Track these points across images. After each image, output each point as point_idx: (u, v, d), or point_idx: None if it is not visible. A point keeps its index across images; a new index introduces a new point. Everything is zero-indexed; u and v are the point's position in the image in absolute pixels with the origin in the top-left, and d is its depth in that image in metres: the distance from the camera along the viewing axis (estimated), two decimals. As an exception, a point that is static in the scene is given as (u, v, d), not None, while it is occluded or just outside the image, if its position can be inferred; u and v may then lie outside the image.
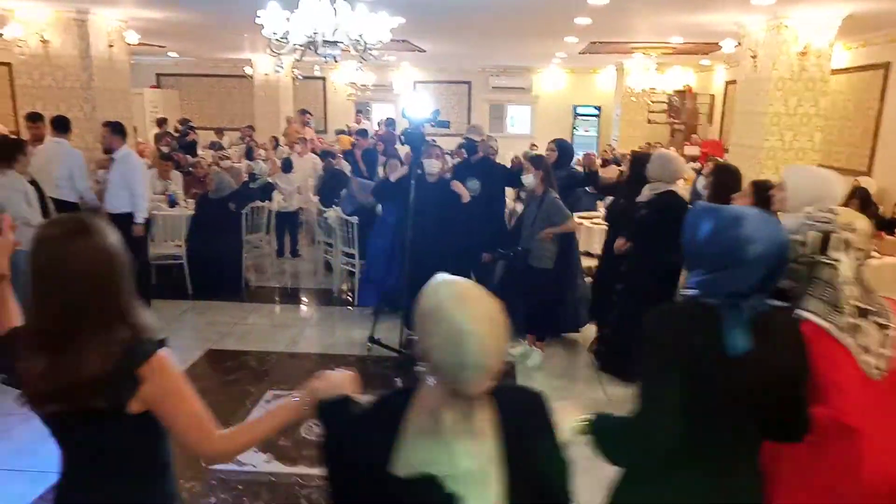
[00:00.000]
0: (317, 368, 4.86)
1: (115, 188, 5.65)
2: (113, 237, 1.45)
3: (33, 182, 5.26)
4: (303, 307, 6.43)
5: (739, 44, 8.04)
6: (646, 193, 4.23)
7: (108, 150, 5.76)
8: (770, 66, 6.82)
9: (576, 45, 10.35)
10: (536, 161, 4.88)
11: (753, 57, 7.16)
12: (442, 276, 1.27)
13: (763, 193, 2.96)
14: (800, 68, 6.70)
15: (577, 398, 4.32)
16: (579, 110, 15.87)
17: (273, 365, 4.86)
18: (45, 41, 7.24)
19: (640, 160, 4.67)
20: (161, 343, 1.48)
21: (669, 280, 3.41)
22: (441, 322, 1.17)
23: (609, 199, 5.95)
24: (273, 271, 7.39)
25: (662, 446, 1.49)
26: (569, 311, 5.11)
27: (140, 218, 5.61)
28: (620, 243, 4.36)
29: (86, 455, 1.50)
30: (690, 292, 1.55)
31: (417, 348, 1.24)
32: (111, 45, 7.67)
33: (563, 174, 5.39)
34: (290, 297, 6.74)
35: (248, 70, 13.23)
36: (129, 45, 8.30)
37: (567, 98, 15.79)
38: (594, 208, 7.44)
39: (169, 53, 13.26)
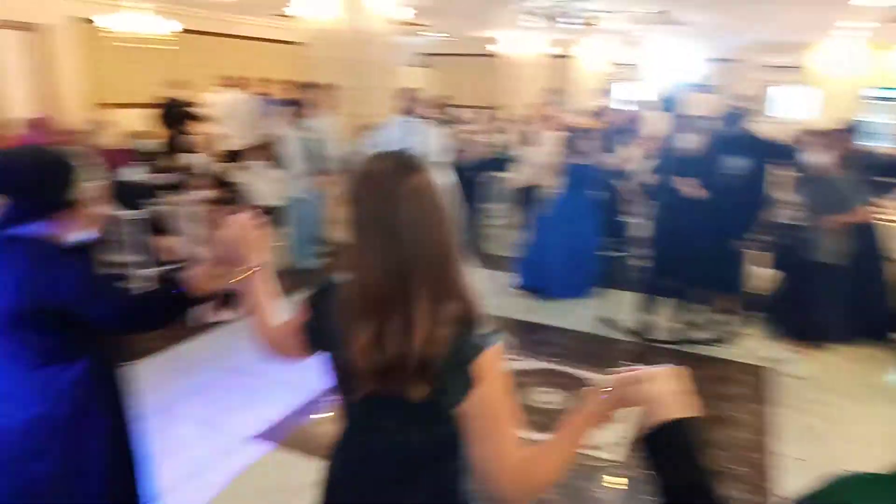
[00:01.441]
0: (543, 339, 4.75)
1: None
2: (441, 180, 1.16)
3: (316, 140, 5.99)
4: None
5: None
6: None
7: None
8: None
9: (868, 11, 8.74)
10: (830, 136, 4.21)
11: None
12: None
13: None
14: None
15: (872, 422, 3.68)
16: (870, 92, 13.56)
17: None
18: (326, 19, 8.08)
19: None
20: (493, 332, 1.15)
21: None
22: None
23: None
24: (507, 241, 7.50)
25: None
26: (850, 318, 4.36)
27: None
28: None
29: (384, 450, 1.25)
30: None
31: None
32: (381, 22, 8.31)
33: (864, 156, 4.70)
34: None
35: (496, 48, 13.57)
36: (396, 24, 8.92)
37: (853, 78, 13.56)
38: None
39: (428, 34, 14.11)
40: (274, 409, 3.58)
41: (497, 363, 1.14)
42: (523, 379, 4.06)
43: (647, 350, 4.57)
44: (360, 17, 7.97)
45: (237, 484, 2.97)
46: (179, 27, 8.84)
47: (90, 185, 1.73)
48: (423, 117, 6.13)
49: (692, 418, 1.00)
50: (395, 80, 9.07)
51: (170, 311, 1.73)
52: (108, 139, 6.97)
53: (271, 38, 12.00)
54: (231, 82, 8.10)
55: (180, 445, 3.22)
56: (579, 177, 5.50)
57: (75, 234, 1.72)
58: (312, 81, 7.42)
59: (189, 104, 8.25)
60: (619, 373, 1.08)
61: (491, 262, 6.74)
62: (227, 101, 8.35)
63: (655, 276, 4.75)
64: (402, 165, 1.14)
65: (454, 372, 1.11)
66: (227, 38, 11.24)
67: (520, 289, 5.60)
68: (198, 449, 3.23)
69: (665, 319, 4.82)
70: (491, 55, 13.81)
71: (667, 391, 1.01)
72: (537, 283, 5.54)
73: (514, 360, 4.33)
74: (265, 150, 6.14)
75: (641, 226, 5.30)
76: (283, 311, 1.47)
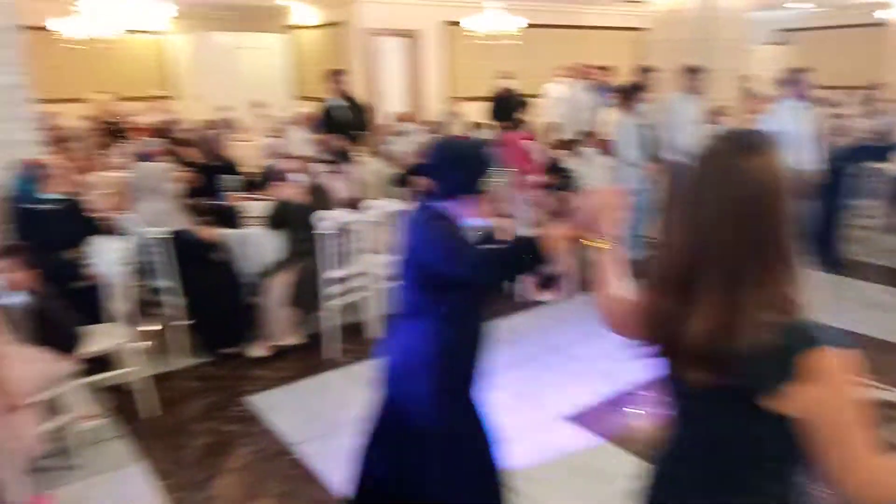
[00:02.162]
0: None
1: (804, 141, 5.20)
2: (786, 165, 1.09)
3: (651, 127, 5.76)
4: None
5: None
6: None
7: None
8: None
9: None
10: None
11: None
12: None
13: None
14: None
15: None
16: None
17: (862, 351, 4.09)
18: (675, 1, 7.67)
19: None
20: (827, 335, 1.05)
21: None
22: None
23: None
24: (882, 246, 6.22)
25: None
26: None
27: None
28: None
29: (701, 438, 1.20)
30: None
31: None
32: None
33: None
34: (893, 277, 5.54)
35: (881, 15, 11.27)
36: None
37: None
38: None
39: (788, 6, 12.45)
40: (587, 394, 3.56)
41: (841, 367, 1.04)
42: (889, 412, 3.31)
43: None
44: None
45: (546, 459, 3.03)
46: (526, 23, 9.36)
47: (496, 182, 2.07)
48: (806, 100, 5.37)
49: None
50: (746, 61, 8.22)
51: (519, 265, 1.99)
52: (457, 129, 7.73)
53: (614, 25, 11.91)
54: (571, 72, 8.22)
55: (495, 412, 3.42)
56: None
57: (473, 218, 2.08)
58: (649, 66, 7.13)
59: (522, 95, 8.63)
60: None
61: (856, 269, 5.66)
62: (561, 90, 8.54)
63: None
64: (737, 145, 1.08)
65: (775, 361, 1.03)
66: (570, 29, 11.51)
67: None
68: (510, 418, 3.38)
69: None
70: (876, 24, 11.54)
71: None
72: None
73: (875, 387, 3.56)
74: (597, 138, 6.13)
75: None
76: (627, 288, 1.43)
